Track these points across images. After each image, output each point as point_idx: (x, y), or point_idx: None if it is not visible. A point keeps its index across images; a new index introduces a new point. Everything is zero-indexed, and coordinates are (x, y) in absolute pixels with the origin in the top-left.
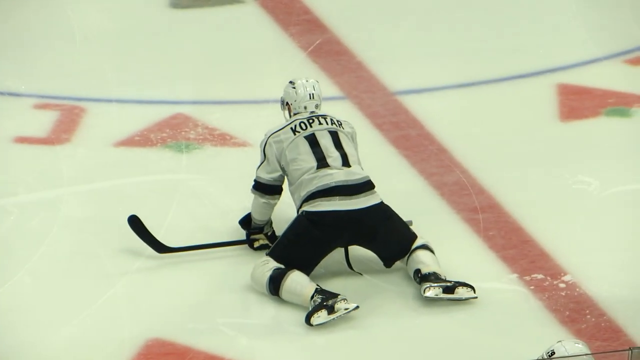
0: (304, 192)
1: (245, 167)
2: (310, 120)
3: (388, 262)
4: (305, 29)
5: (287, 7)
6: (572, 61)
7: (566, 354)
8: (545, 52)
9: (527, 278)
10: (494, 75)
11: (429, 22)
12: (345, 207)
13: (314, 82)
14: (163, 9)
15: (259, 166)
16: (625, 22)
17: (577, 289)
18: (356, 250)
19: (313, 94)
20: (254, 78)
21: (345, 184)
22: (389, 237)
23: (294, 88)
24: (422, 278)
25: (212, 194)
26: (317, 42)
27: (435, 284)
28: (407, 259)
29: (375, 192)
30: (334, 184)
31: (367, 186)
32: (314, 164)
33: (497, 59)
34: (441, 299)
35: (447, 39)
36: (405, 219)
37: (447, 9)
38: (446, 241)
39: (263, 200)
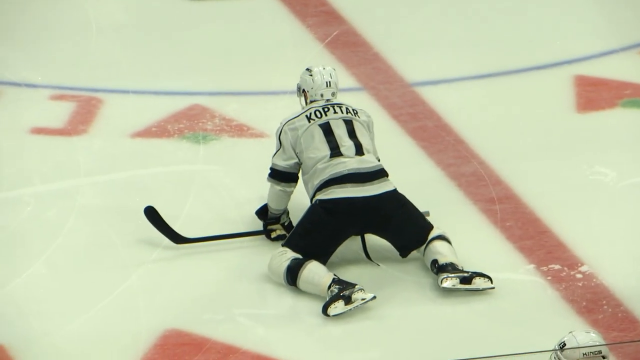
0: (317, 181)
1: (263, 158)
2: (326, 109)
3: (404, 251)
4: (322, 21)
5: None
6: (589, 53)
7: (576, 343)
8: (562, 43)
9: (544, 269)
10: (511, 67)
11: (446, 13)
12: (358, 193)
13: (331, 70)
14: (180, 1)
15: (275, 154)
16: None
17: (594, 280)
18: (373, 240)
19: (330, 82)
20: (271, 69)
21: (357, 171)
22: (403, 225)
23: (311, 75)
24: (439, 269)
25: (229, 184)
26: (334, 33)
27: (453, 275)
28: (424, 250)
29: (389, 180)
30: (346, 172)
31: (380, 174)
32: (327, 152)
33: (514, 50)
34: (458, 290)
35: (464, 31)
36: (422, 209)
37: (464, 0)
38: (463, 232)
39: (279, 187)
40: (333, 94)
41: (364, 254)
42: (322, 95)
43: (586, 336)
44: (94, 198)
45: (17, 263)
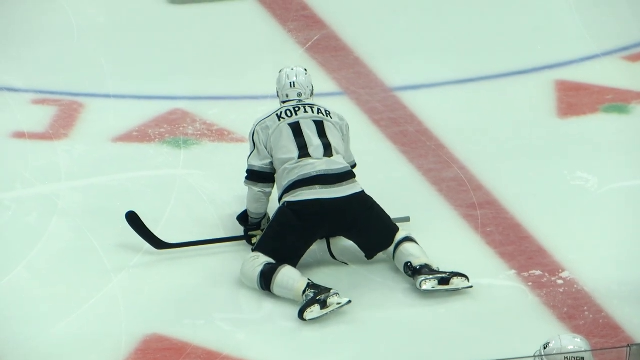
0: (285, 182)
1: (243, 162)
2: (297, 108)
3: (370, 252)
4: (304, 25)
5: (285, 3)
6: (571, 57)
7: (560, 347)
8: (543, 48)
9: (525, 274)
10: (492, 72)
11: (427, 17)
12: (326, 195)
13: (299, 71)
14: (161, 5)
15: (250, 155)
16: (623, 18)
17: (575, 286)
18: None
19: (294, 83)
20: (252, 74)
21: (326, 173)
22: (370, 227)
23: (279, 76)
24: (415, 271)
25: (209, 189)
26: (316, 38)
27: (431, 277)
28: (394, 253)
29: (356, 181)
30: (314, 174)
31: (347, 175)
32: (296, 153)
33: (495, 55)
34: (438, 291)
35: (446, 35)
36: (402, 214)
37: (446, 4)
38: (444, 237)
39: (257, 189)
40: (299, 94)
41: (329, 255)
42: (287, 96)
43: (571, 340)
44: (75, 202)
45: None
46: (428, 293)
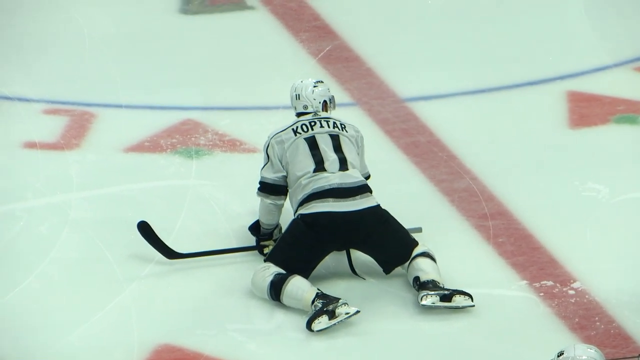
0: (300, 195)
1: (255, 173)
2: (312, 123)
3: (387, 267)
4: (316, 36)
5: (297, 13)
6: (582, 68)
7: (573, 356)
8: (555, 59)
9: (537, 285)
10: (503, 83)
11: (439, 28)
12: (339, 208)
13: (306, 83)
14: (173, 15)
15: (263, 167)
16: (635, 29)
17: (587, 296)
18: (360, 255)
19: (299, 95)
20: (264, 84)
21: (340, 186)
22: (385, 241)
23: (290, 88)
24: (420, 286)
25: (221, 199)
26: (327, 48)
27: (433, 292)
28: (408, 266)
29: (371, 195)
30: (328, 187)
31: (362, 189)
32: (312, 167)
33: (507, 66)
34: (438, 307)
35: (457, 46)
36: (414, 225)
37: (457, 16)
38: (456, 248)
39: (269, 201)
40: (305, 107)
41: (349, 269)
42: (295, 108)
43: (585, 350)
44: (86, 212)
45: (10, 277)
46: (430, 308)
